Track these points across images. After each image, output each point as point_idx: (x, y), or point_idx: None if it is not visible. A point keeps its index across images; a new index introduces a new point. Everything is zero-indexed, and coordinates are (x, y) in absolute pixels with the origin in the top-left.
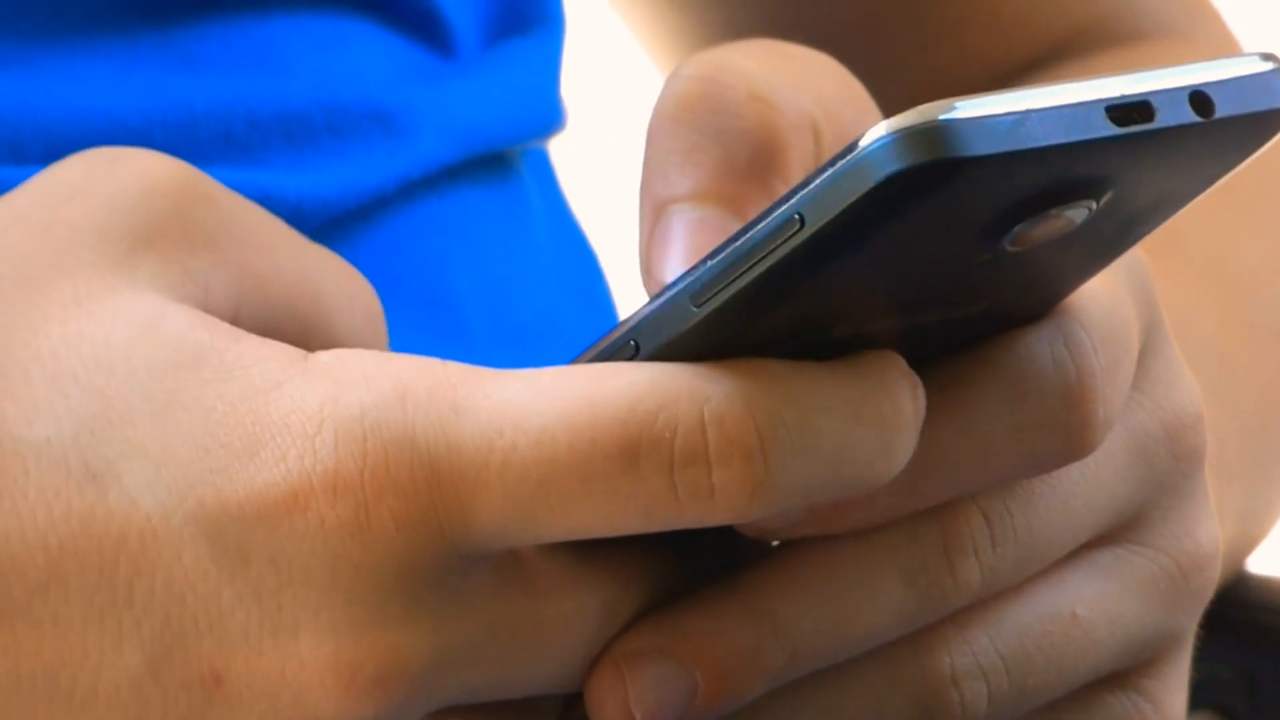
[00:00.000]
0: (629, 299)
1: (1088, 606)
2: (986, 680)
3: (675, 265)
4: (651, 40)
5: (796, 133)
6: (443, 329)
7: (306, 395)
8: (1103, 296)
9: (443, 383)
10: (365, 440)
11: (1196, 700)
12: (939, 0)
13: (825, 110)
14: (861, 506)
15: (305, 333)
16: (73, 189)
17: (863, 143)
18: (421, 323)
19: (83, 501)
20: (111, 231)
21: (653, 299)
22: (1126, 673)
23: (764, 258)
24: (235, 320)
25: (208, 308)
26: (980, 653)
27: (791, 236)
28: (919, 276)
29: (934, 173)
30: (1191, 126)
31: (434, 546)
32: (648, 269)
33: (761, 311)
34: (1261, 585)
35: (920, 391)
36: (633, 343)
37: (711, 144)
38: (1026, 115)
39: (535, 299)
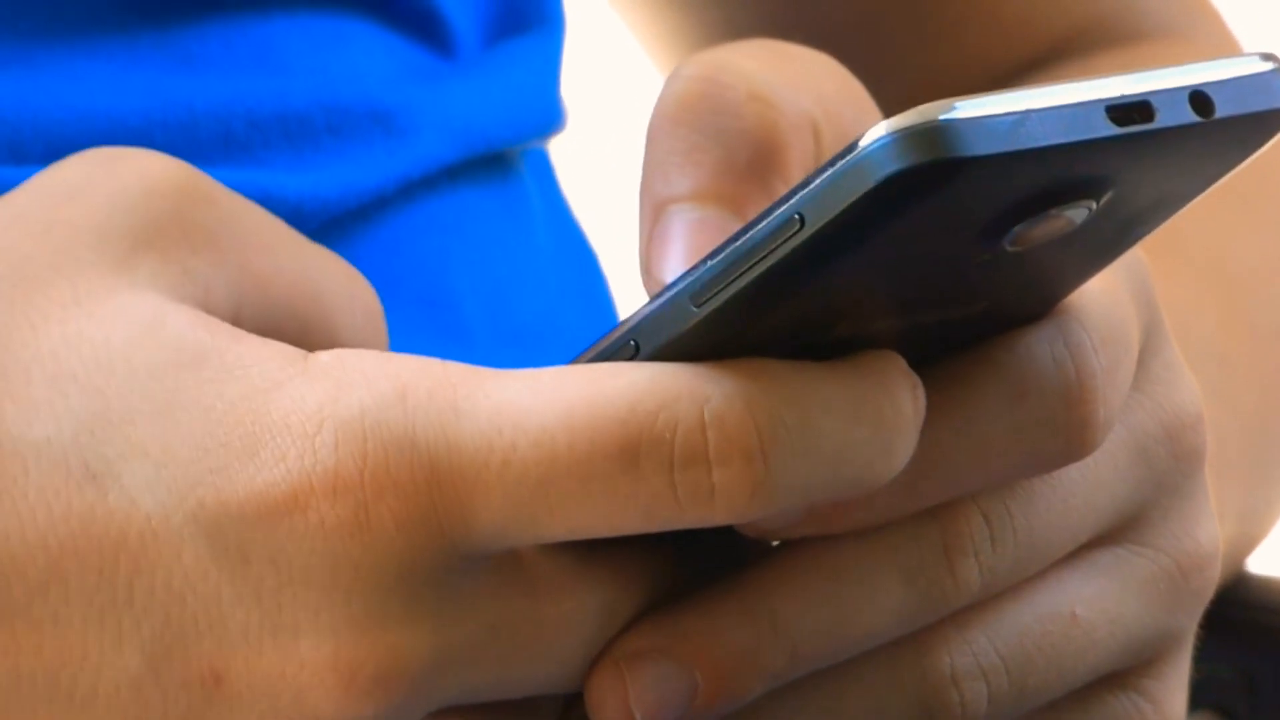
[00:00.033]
0: (629, 299)
1: (1087, 606)
2: (986, 680)
3: (675, 265)
4: (651, 40)
5: (796, 133)
6: (443, 329)
7: (306, 395)
8: (1103, 296)
9: (443, 383)
10: (365, 440)
11: (1196, 700)
12: (939, 0)
13: (825, 110)
14: (861, 506)
15: (306, 332)
16: (72, 189)
17: (863, 143)
18: (421, 323)
19: (83, 501)
20: (111, 231)
21: (653, 299)
22: (1126, 673)
23: (764, 258)
24: (236, 320)
25: (208, 308)
26: (980, 653)
27: (791, 236)
28: (919, 276)
29: (934, 173)
30: (1191, 126)
31: (434, 546)
32: (647, 269)
33: (761, 311)
34: (1261, 585)
35: (920, 391)
36: (633, 343)
37: (711, 144)
38: (1026, 115)
39: (535, 299)
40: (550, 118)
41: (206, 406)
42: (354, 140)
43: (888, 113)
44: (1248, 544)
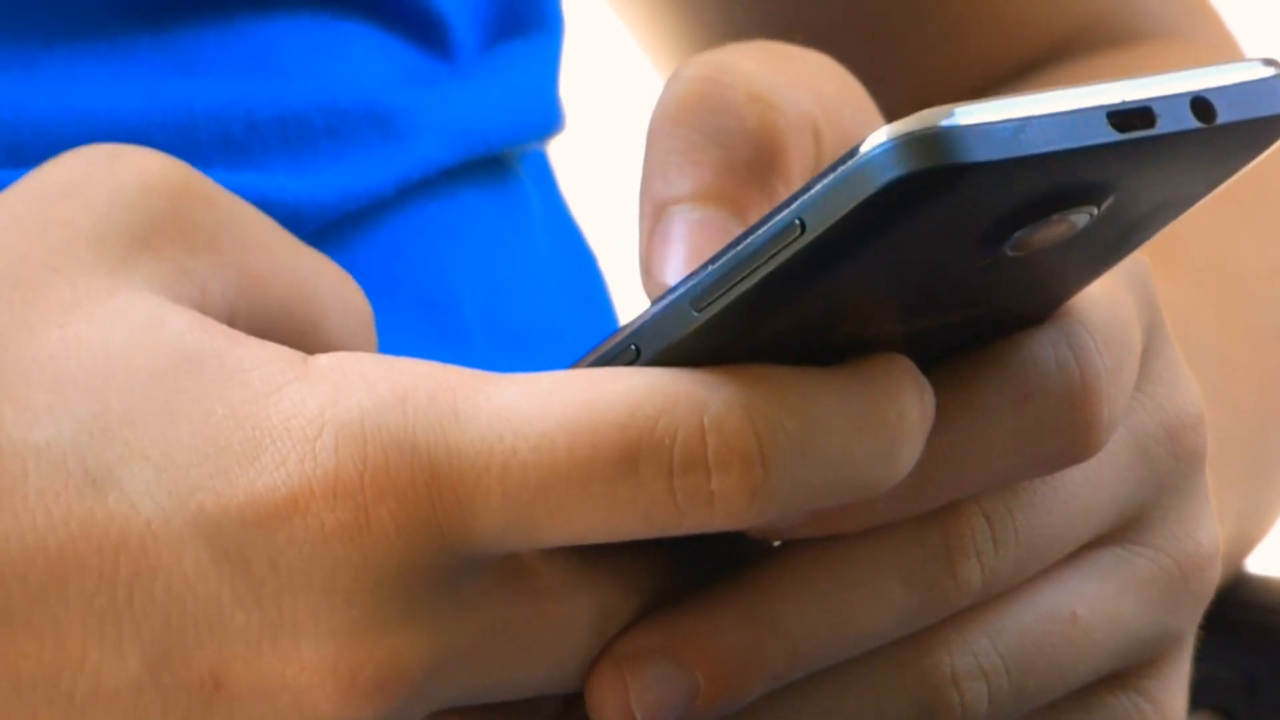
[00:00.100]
0: (628, 301)
1: (1088, 607)
2: (987, 681)
3: (675, 266)
4: (651, 41)
5: (796, 133)
6: (441, 331)
7: (307, 399)
8: (1105, 298)
9: (443, 386)
10: (365, 444)
11: (1196, 700)
12: (939, 0)
13: (825, 110)
14: (863, 508)
15: (299, 334)
16: (69, 187)
17: (863, 148)
18: (420, 325)
19: (82, 505)
20: (109, 231)
21: (654, 303)
22: (1127, 673)
23: (765, 263)
24: (231, 320)
25: (204, 308)
26: (980, 653)
27: (792, 242)
28: (920, 281)
29: (935, 179)
30: (1193, 132)
31: (433, 550)
32: (647, 270)
33: (762, 316)
34: (1261, 585)
35: (928, 396)
36: (633, 347)
37: (711, 144)
38: (1028, 121)
39: (534, 301)
40: (549, 120)
41: (207, 410)
42: (353, 143)
43: (887, 113)
44: (1247, 544)
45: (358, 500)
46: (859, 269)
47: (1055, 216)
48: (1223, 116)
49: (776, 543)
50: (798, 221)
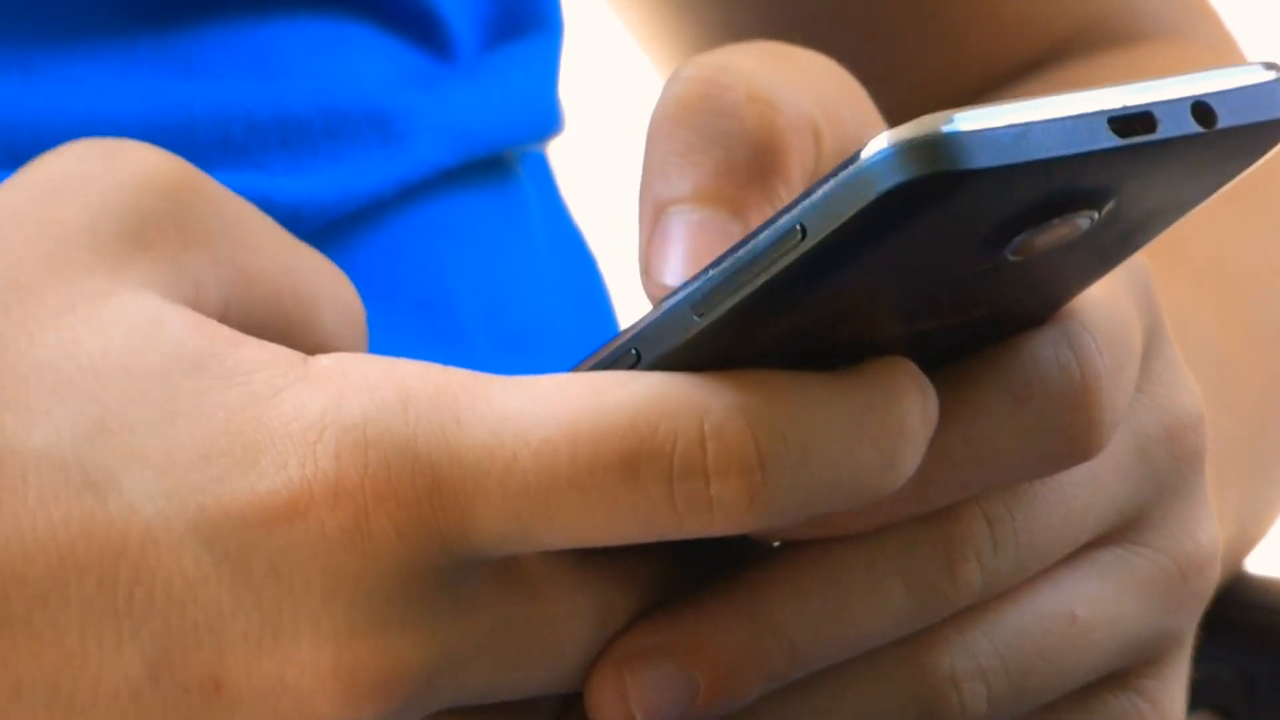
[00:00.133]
0: (628, 302)
1: (1087, 607)
2: (986, 681)
3: (674, 266)
4: (650, 41)
5: (796, 134)
6: (440, 333)
7: (308, 402)
8: (1105, 299)
9: (444, 390)
10: (367, 448)
11: (1196, 700)
12: (940, 1)
13: (825, 111)
14: (864, 509)
15: (292, 331)
16: (67, 183)
17: (864, 154)
18: (419, 327)
19: (82, 509)
20: (106, 230)
21: (654, 307)
22: (1126, 673)
23: (766, 268)
24: (224, 317)
25: (199, 305)
26: (980, 654)
27: (793, 247)
28: (921, 285)
29: (936, 185)
30: (1194, 137)
31: (434, 553)
32: (647, 270)
33: (763, 321)
34: (1260, 586)
35: (931, 401)
36: (634, 351)
37: (711, 145)
38: (1029, 127)
39: (533, 303)
40: (548, 121)
41: (207, 414)
42: (352, 144)
43: (887, 113)
44: (1247, 544)
45: (359, 504)
46: (860, 274)
47: (1056, 221)
48: (1224, 121)
49: (776, 543)
50: (799, 227)
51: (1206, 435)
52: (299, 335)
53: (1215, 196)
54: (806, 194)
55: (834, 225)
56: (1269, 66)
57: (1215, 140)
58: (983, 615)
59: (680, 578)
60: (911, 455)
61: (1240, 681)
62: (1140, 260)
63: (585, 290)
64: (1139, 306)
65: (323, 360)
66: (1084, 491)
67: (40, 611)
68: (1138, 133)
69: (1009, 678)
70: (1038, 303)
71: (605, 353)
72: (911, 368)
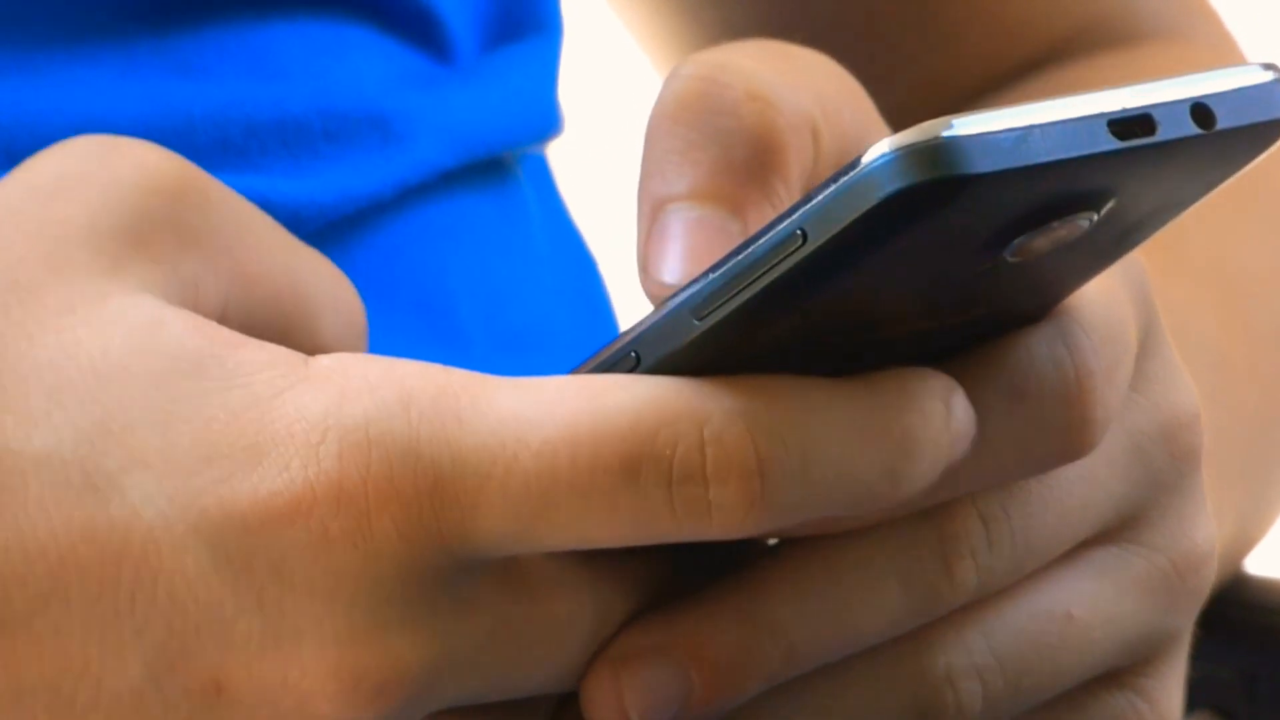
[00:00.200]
0: (628, 303)
1: (1083, 606)
2: (981, 680)
3: (673, 265)
4: (649, 41)
5: (795, 132)
6: (440, 334)
7: (310, 404)
8: (1101, 297)
9: (446, 391)
10: (369, 450)
11: (1195, 701)
12: (940, 1)
13: (824, 110)
14: None
15: (289, 332)
16: (66, 182)
17: (865, 159)
18: (418, 328)
19: (84, 512)
20: (105, 230)
21: (654, 310)
22: (1123, 672)
23: (766, 272)
24: (223, 317)
25: (198, 306)
26: (975, 652)
27: (793, 252)
28: (920, 288)
29: (936, 190)
30: (1193, 139)
31: (435, 555)
32: (645, 268)
33: (763, 325)
34: (1260, 586)
35: (957, 416)
36: (634, 354)
37: (710, 143)
38: (1029, 131)
39: (532, 304)
40: (548, 122)
41: (208, 415)
42: (351, 146)
43: (887, 113)
44: (1246, 544)
45: (361, 506)
46: (860, 278)
47: (1056, 223)
48: (1223, 122)
49: (772, 541)
50: (799, 231)
51: (1203, 434)
52: (298, 336)
53: (1214, 196)
54: (807, 199)
55: (834, 230)
56: (1268, 67)
57: (1214, 141)
58: (979, 614)
59: (677, 578)
60: (919, 467)
61: (1240, 682)
62: (1136, 258)
63: (585, 291)
64: (1135, 305)
65: (323, 361)
66: (1080, 490)
67: (41, 614)
68: (1137, 135)
69: (1005, 676)
70: (1034, 301)
71: (605, 355)
72: (933, 380)
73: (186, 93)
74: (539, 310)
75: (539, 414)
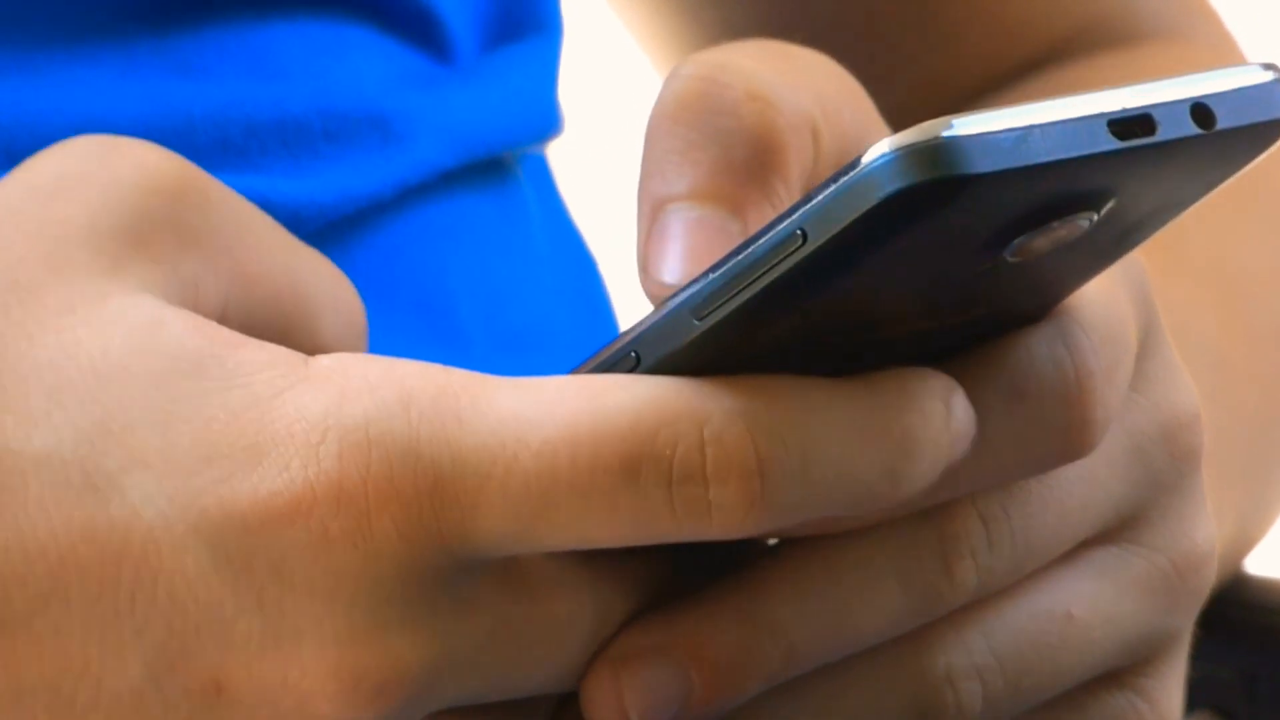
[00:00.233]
0: (628, 303)
1: (1083, 606)
2: (981, 680)
3: (673, 264)
4: (650, 41)
5: (795, 132)
6: (440, 335)
7: (310, 404)
8: (1101, 297)
9: (446, 391)
10: (369, 450)
11: (1195, 701)
12: (940, 1)
13: (824, 110)
14: None
15: (289, 332)
16: (66, 181)
17: (865, 159)
18: (418, 328)
19: (84, 512)
20: (104, 230)
21: (654, 310)
22: (1123, 672)
23: (766, 272)
24: (223, 318)
25: (197, 306)
26: (975, 652)
27: (794, 252)
28: (920, 287)
29: (937, 190)
30: (1193, 139)
31: (435, 555)
32: (645, 268)
33: (763, 325)
34: (1260, 586)
35: (958, 417)
36: (634, 354)
37: (709, 143)
38: (1029, 131)
39: (532, 304)
40: (548, 123)
41: (209, 416)
42: (351, 146)
43: (887, 113)
44: (1247, 544)
45: (361, 506)
46: (860, 278)
47: (1056, 223)
48: (1222, 122)
49: (772, 541)
50: (799, 232)
51: (1203, 434)
52: (298, 336)
53: (1214, 196)
54: (807, 199)
55: (835, 230)
56: (1268, 67)
57: (1214, 141)
58: (979, 614)
59: (677, 578)
60: (919, 467)
61: (1240, 682)
62: (1136, 258)
63: (585, 291)
64: (1135, 304)
65: (323, 361)
66: (1079, 490)
67: (41, 614)
68: (1137, 135)
69: (1005, 676)
70: (1034, 301)
71: (605, 355)
72: (933, 380)
73: (186, 93)
74: (539, 310)
75: (539, 414)
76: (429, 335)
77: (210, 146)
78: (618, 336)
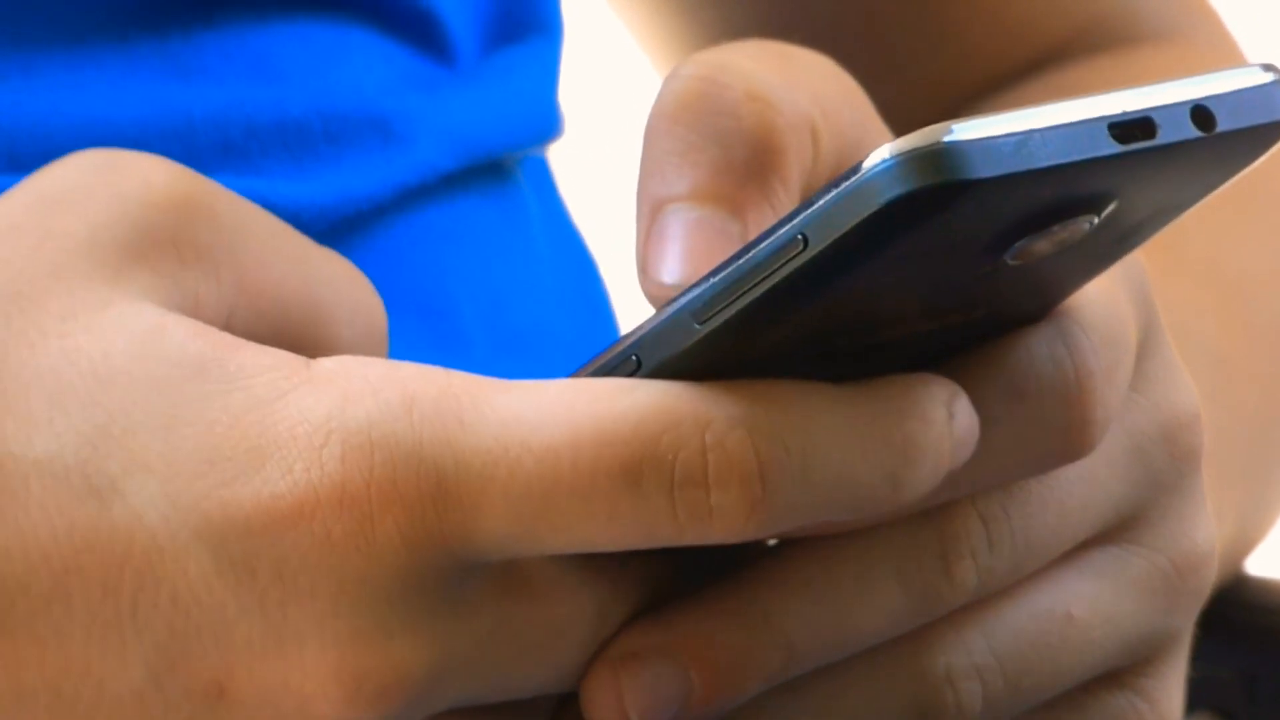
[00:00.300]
0: (628, 305)
1: (1083, 606)
2: (981, 680)
3: (672, 265)
4: (649, 41)
5: (794, 133)
6: (441, 337)
7: (313, 406)
8: (1101, 298)
9: (448, 393)
10: (372, 453)
11: (1196, 701)
12: (940, 2)
13: (823, 110)
14: None
15: (302, 340)
16: (68, 196)
17: (866, 164)
18: (419, 331)
19: (86, 517)
20: (106, 242)
21: (655, 314)
22: (1123, 672)
23: (767, 277)
24: (226, 329)
25: (198, 317)
26: (975, 653)
27: (795, 256)
28: (921, 290)
29: (938, 196)
30: (1193, 141)
31: (437, 558)
32: (644, 269)
33: (764, 329)
34: (1260, 587)
35: (960, 422)
36: (634, 358)
37: (709, 143)
38: (1029, 135)
39: (533, 306)
40: (549, 125)
41: (210, 420)
42: (352, 148)
43: (886, 114)
44: (1247, 545)
45: (364, 509)
46: (861, 283)
47: (1056, 227)
48: (1223, 125)
49: (772, 542)
50: (800, 236)
51: (1203, 434)
52: (311, 344)
53: (1214, 197)
54: (808, 204)
55: (836, 235)
56: (1268, 68)
57: (1214, 143)
58: (979, 614)
59: (677, 578)
60: (920, 472)
61: (1240, 683)
62: (1136, 259)
63: (585, 294)
64: (1134, 305)
65: (325, 363)
66: (1079, 490)
67: (44, 618)
68: (1137, 138)
69: (1005, 677)
70: (1034, 302)
71: (606, 358)
72: (935, 386)
73: (187, 95)
74: (539, 312)
75: (542, 417)
76: (429, 337)
77: (211, 148)
78: (618, 339)
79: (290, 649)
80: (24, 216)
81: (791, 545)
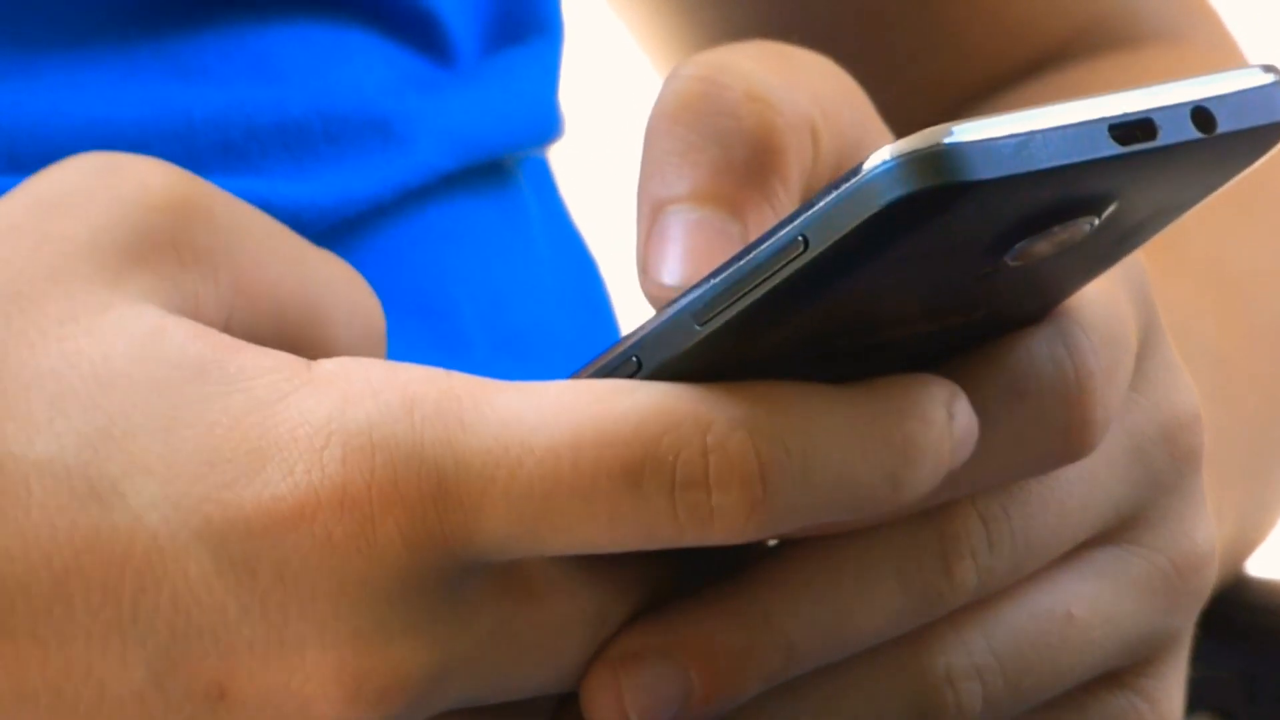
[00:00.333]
0: (629, 306)
1: (1084, 607)
2: (981, 680)
3: (672, 266)
4: (649, 41)
5: (794, 133)
6: (441, 338)
7: (313, 408)
8: (1101, 298)
9: (449, 394)
10: (373, 455)
11: (1196, 702)
12: (941, 2)
13: (823, 111)
14: None
15: (298, 343)
16: (68, 198)
17: (866, 166)
18: (419, 332)
19: (87, 519)
20: (105, 245)
21: (656, 315)
22: (1123, 672)
23: (767, 278)
24: (225, 331)
25: (198, 319)
26: (975, 653)
27: (795, 258)
28: (921, 292)
29: (938, 197)
30: (1194, 142)
31: (438, 559)
32: (644, 269)
33: (764, 330)
34: (1261, 588)
35: (960, 423)
36: (635, 359)
37: (709, 144)
38: (1030, 137)
39: (533, 307)
40: (549, 126)
41: (211, 421)
42: (352, 149)
43: (886, 114)
44: (1248, 545)
45: (365, 511)
46: (861, 284)
47: (1057, 228)
48: (1223, 126)
49: (772, 542)
50: (801, 238)
51: (1203, 434)
52: (309, 346)
53: (1215, 197)
54: (808, 205)
55: (836, 236)
56: (1268, 69)
57: (1215, 144)
58: (979, 614)
59: (677, 578)
60: (920, 473)
61: (1241, 683)
62: (1137, 259)
63: (586, 294)
64: (1135, 305)
65: (326, 365)
66: (1079, 490)
67: (45, 620)
68: (1138, 140)
69: (1005, 677)
70: (1034, 302)
71: (606, 359)
72: (935, 386)
73: (187, 95)
74: (540, 313)
75: (542, 418)
76: (430, 338)
77: (211, 149)
78: (619, 340)
79: (291, 650)
80: (24, 219)
81: (792, 545)
